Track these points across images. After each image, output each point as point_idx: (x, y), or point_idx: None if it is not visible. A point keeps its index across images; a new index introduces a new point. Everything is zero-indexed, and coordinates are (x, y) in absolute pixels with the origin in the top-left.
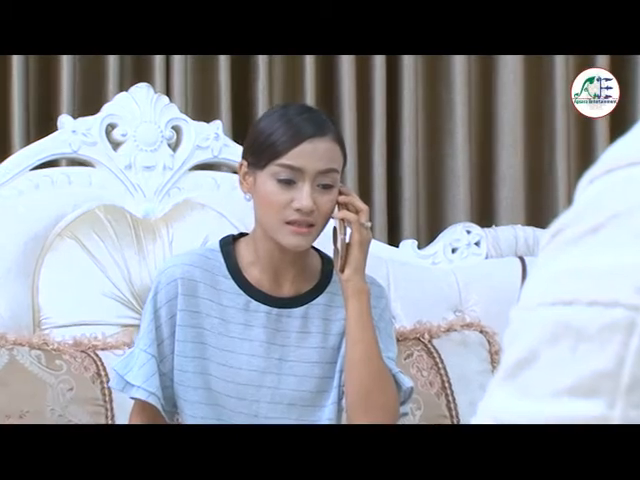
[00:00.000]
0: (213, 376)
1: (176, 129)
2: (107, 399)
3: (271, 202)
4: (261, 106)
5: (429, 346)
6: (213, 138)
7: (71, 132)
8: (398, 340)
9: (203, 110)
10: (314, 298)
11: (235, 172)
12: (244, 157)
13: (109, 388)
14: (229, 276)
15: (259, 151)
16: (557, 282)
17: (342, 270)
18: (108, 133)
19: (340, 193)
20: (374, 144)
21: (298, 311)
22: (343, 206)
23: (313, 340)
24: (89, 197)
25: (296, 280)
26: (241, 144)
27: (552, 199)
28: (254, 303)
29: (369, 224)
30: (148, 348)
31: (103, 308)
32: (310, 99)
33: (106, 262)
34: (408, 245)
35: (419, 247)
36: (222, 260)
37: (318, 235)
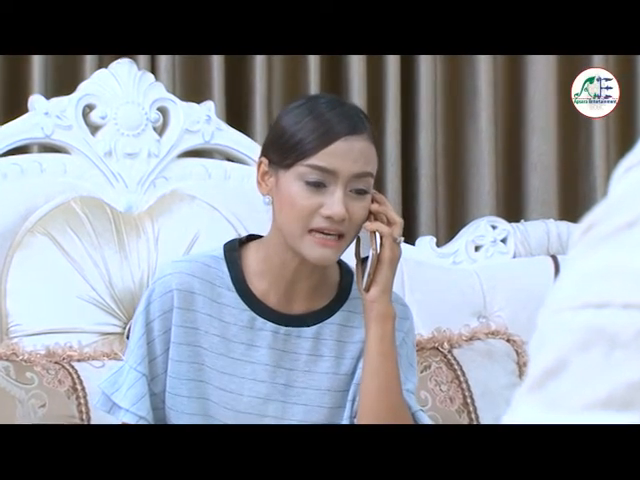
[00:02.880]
0: (211, 401)
1: (162, 111)
2: (84, 417)
3: (297, 207)
4: (258, 84)
5: (449, 357)
6: (204, 121)
7: (43, 114)
8: None
9: (193, 89)
10: (329, 316)
11: (229, 159)
12: (264, 154)
13: (86, 404)
14: (232, 288)
15: (284, 149)
16: (588, 283)
17: (367, 289)
18: (85, 115)
19: (372, 201)
20: (386, 128)
21: (309, 331)
22: (374, 216)
23: (324, 364)
24: (63, 188)
25: (310, 295)
26: (235, 127)
27: (589, 190)
28: (260, 320)
29: (402, 239)
30: (138, 366)
31: (79, 314)
32: (314, 73)
33: (83, 262)
34: (426, 242)
35: (438, 245)
36: (225, 269)
37: (346, 248)
